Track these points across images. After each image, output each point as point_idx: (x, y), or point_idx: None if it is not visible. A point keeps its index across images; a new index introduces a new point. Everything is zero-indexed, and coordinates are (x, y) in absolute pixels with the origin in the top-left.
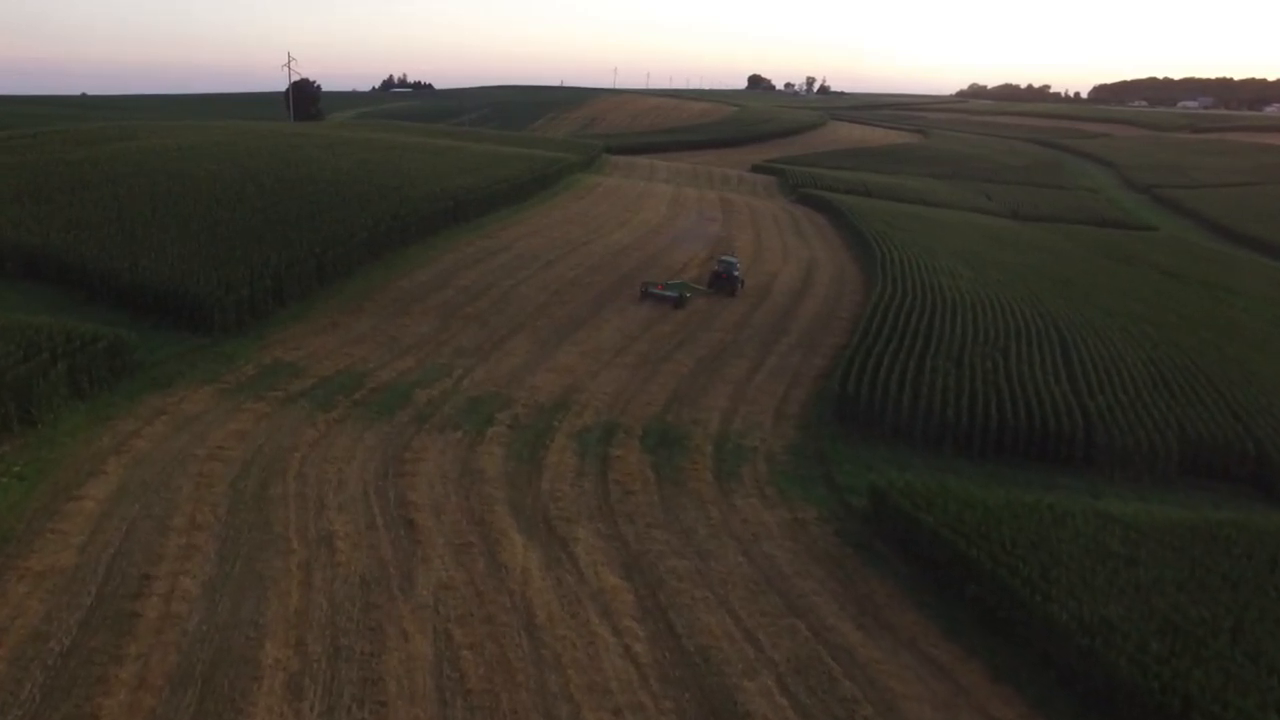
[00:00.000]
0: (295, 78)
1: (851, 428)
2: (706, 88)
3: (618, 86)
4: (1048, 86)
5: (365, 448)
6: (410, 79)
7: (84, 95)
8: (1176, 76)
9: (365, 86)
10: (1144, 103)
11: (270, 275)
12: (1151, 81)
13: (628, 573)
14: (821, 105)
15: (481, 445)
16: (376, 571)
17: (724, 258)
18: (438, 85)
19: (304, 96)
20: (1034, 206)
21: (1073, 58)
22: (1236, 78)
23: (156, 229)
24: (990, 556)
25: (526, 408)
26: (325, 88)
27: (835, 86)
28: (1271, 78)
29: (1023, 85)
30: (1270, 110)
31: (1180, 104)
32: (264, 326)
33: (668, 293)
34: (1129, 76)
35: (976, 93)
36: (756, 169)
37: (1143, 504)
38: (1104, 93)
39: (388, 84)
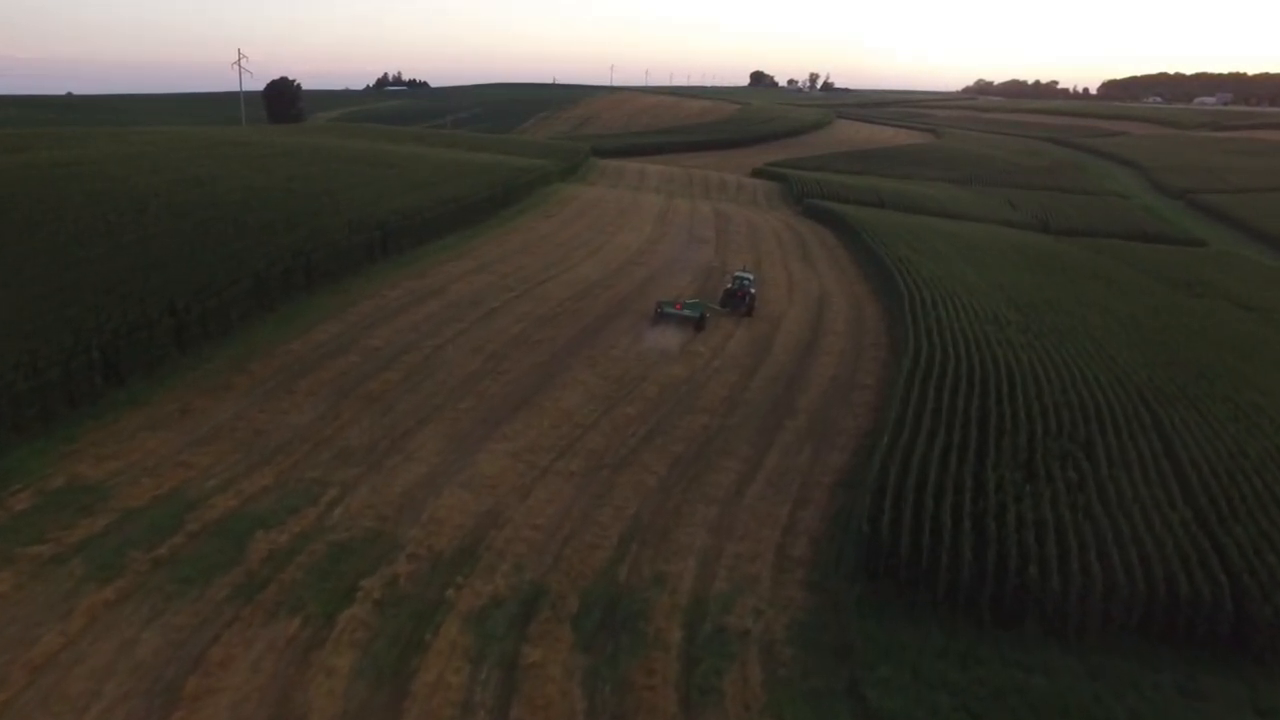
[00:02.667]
0: (248, 77)
1: (886, 589)
2: (708, 85)
3: (614, 84)
4: (1055, 82)
5: (131, 665)
6: (405, 77)
7: (69, 95)
8: (1188, 71)
9: (359, 85)
10: (1158, 99)
11: (101, 344)
12: (1163, 77)
13: None
14: (825, 103)
15: (323, 649)
16: None
17: (738, 273)
18: (433, 84)
19: (283, 97)
20: (1064, 216)
21: (1078, 53)
22: (1250, 73)
23: None
24: None
25: (414, 561)
26: (318, 86)
27: (839, 83)
28: None
29: (1030, 81)
30: None
31: (1197, 100)
32: (80, 419)
33: (688, 313)
34: (1138, 72)
35: (983, 89)
36: (758, 173)
37: None
38: (1114, 89)
39: (382, 82)
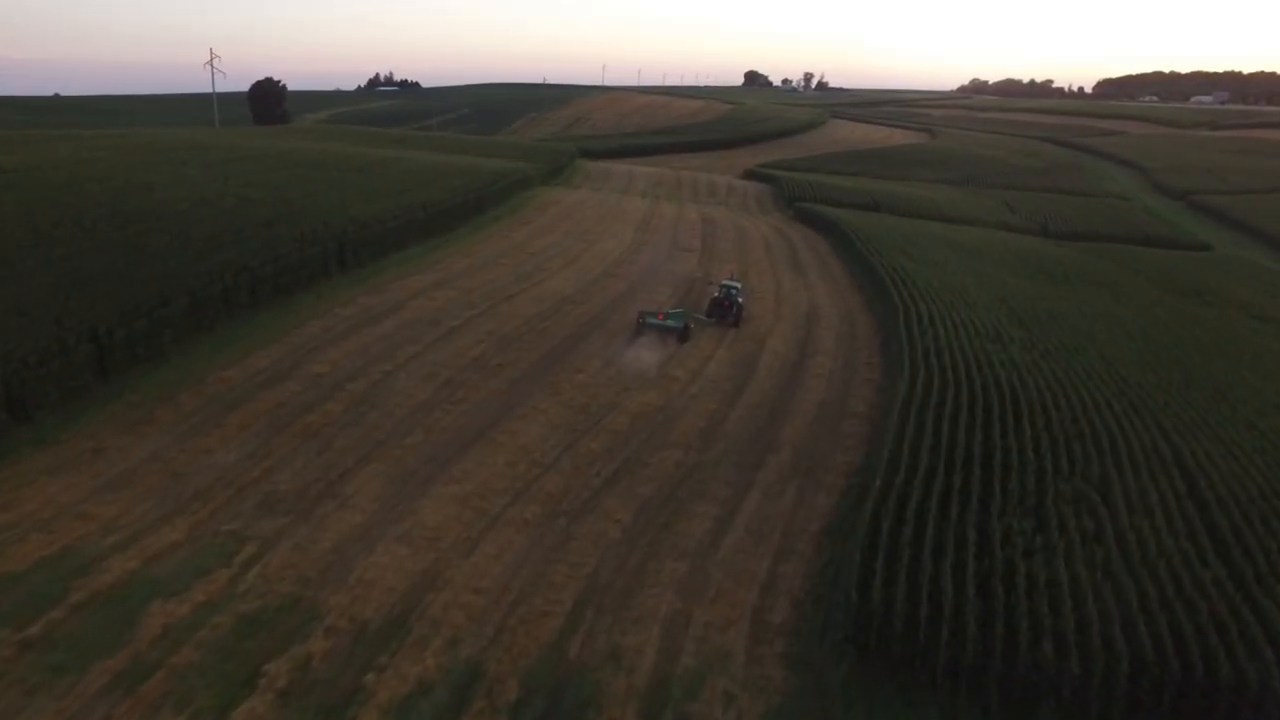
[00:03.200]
0: (224, 78)
1: (878, 666)
2: (702, 85)
3: (606, 84)
4: (1050, 81)
5: None
6: (398, 77)
7: (57, 96)
8: (1184, 70)
9: (350, 85)
10: (1154, 98)
11: (5, 377)
12: (1158, 76)
13: None
14: (820, 102)
15: None
16: None
17: (725, 282)
18: (426, 84)
19: (267, 98)
20: (1064, 219)
21: (1072, 52)
22: (1245, 71)
23: None
24: None
25: (332, 636)
26: (310, 87)
27: (834, 83)
28: None
29: (1025, 80)
30: None
31: (1194, 99)
32: None
33: (670, 323)
34: (1133, 71)
35: (978, 88)
36: (749, 175)
37: None
38: (1109, 87)
39: (374, 82)
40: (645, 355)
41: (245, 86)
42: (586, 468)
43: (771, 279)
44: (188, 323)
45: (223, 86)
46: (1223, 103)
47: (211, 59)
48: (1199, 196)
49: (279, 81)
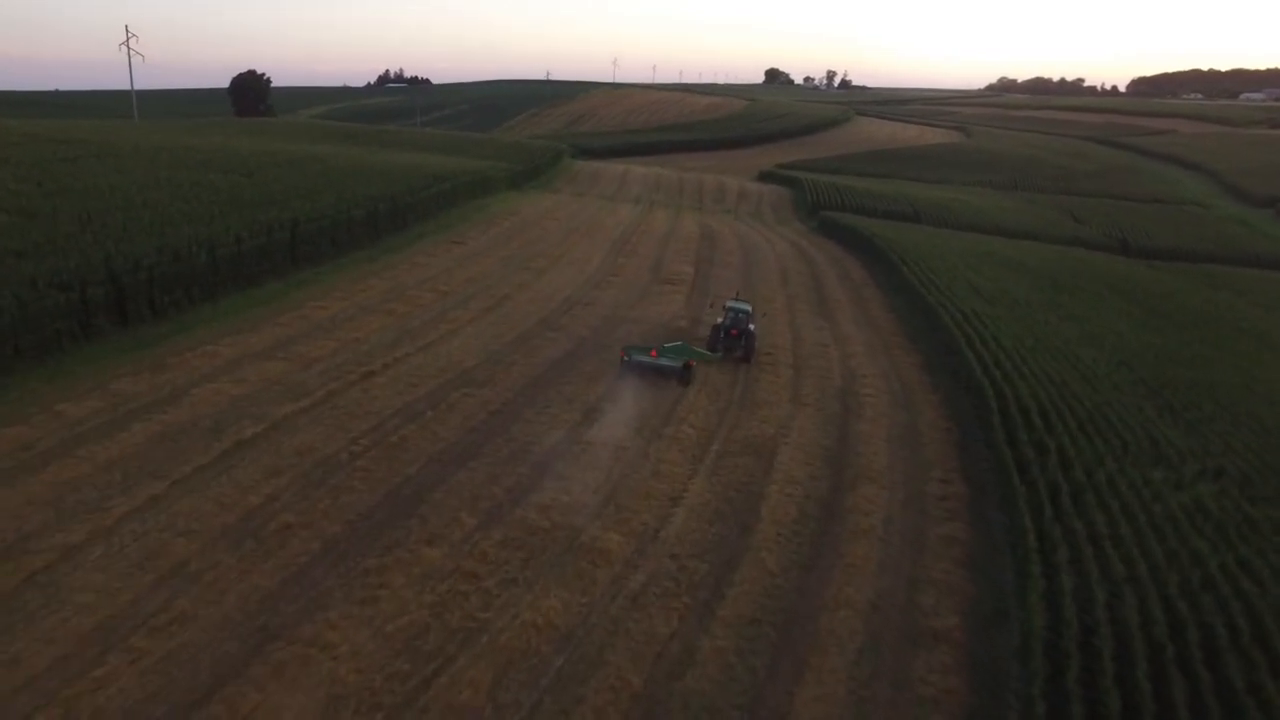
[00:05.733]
0: (139, 62)
1: None
2: (720, 82)
3: (618, 80)
4: (1081, 80)
5: None
6: (408, 74)
7: (56, 91)
8: (1223, 68)
9: (360, 82)
10: (1199, 96)
11: None
12: (1196, 74)
13: None
14: (843, 100)
15: None
16: None
17: (732, 303)
18: (437, 80)
19: (249, 92)
20: (1144, 233)
21: (1100, 50)
22: None
23: None
24: None
25: None
26: (318, 84)
27: (856, 81)
28: None
29: (1055, 79)
30: None
31: (1243, 96)
32: None
33: (666, 361)
34: (1166, 69)
35: (1007, 86)
36: (765, 177)
37: None
38: (1144, 86)
39: (383, 79)
40: (566, 492)
41: (219, 83)
42: None
43: (787, 326)
44: None
45: (221, 83)
46: (1276, 99)
47: (128, 38)
48: None
49: (263, 74)
